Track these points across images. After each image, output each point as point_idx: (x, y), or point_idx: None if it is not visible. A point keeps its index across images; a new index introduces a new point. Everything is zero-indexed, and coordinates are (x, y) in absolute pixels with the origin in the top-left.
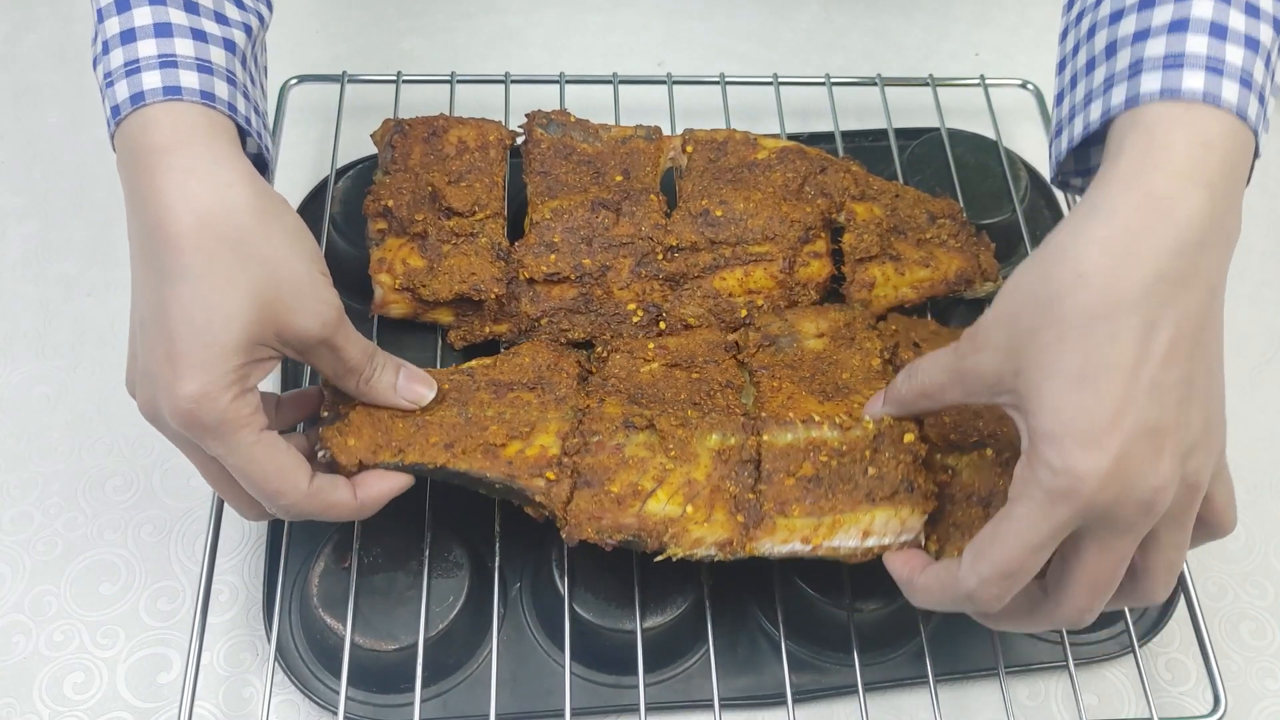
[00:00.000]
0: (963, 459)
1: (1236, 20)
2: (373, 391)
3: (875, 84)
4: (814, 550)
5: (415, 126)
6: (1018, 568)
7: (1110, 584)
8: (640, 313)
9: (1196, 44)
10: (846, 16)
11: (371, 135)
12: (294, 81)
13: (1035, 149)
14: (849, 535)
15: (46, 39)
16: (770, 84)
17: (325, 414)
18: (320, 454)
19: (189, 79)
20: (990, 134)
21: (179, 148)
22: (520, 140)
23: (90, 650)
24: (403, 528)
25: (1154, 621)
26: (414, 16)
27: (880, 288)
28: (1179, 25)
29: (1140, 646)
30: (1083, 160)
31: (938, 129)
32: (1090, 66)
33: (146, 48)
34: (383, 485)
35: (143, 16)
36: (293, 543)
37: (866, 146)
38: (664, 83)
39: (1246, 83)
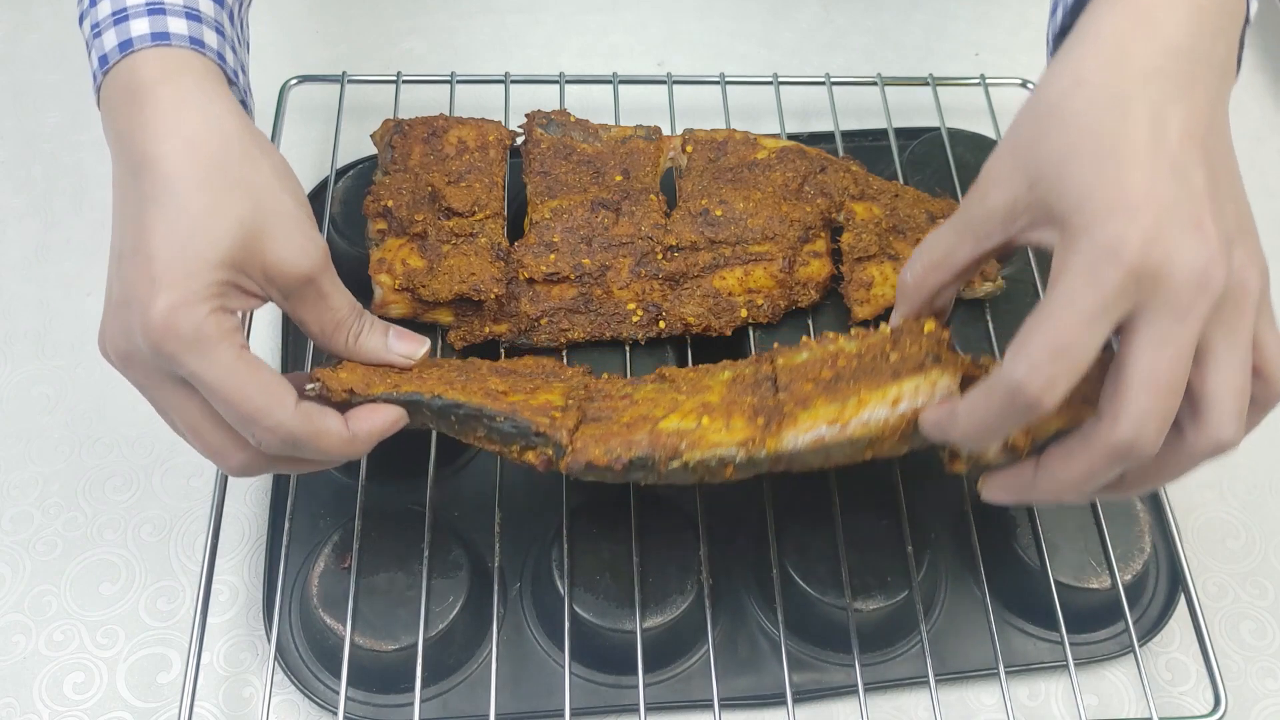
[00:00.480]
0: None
1: None
2: (362, 348)
3: (875, 84)
4: (844, 430)
5: (415, 127)
6: (1068, 342)
7: (1172, 383)
8: (640, 312)
9: None
10: (846, 16)
11: (371, 135)
12: (294, 82)
13: None
14: (878, 407)
15: (46, 39)
16: (770, 84)
17: (311, 387)
18: (310, 387)
19: (177, 25)
20: (990, 134)
21: (168, 82)
22: (520, 140)
23: (90, 650)
24: (403, 528)
25: (1154, 621)
26: (414, 16)
27: (878, 287)
28: None
29: (1140, 646)
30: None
31: (938, 129)
32: None
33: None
34: (375, 419)
35: None
36: (293, 543)
37: (866, 146)
38: (664, 83)
39: None
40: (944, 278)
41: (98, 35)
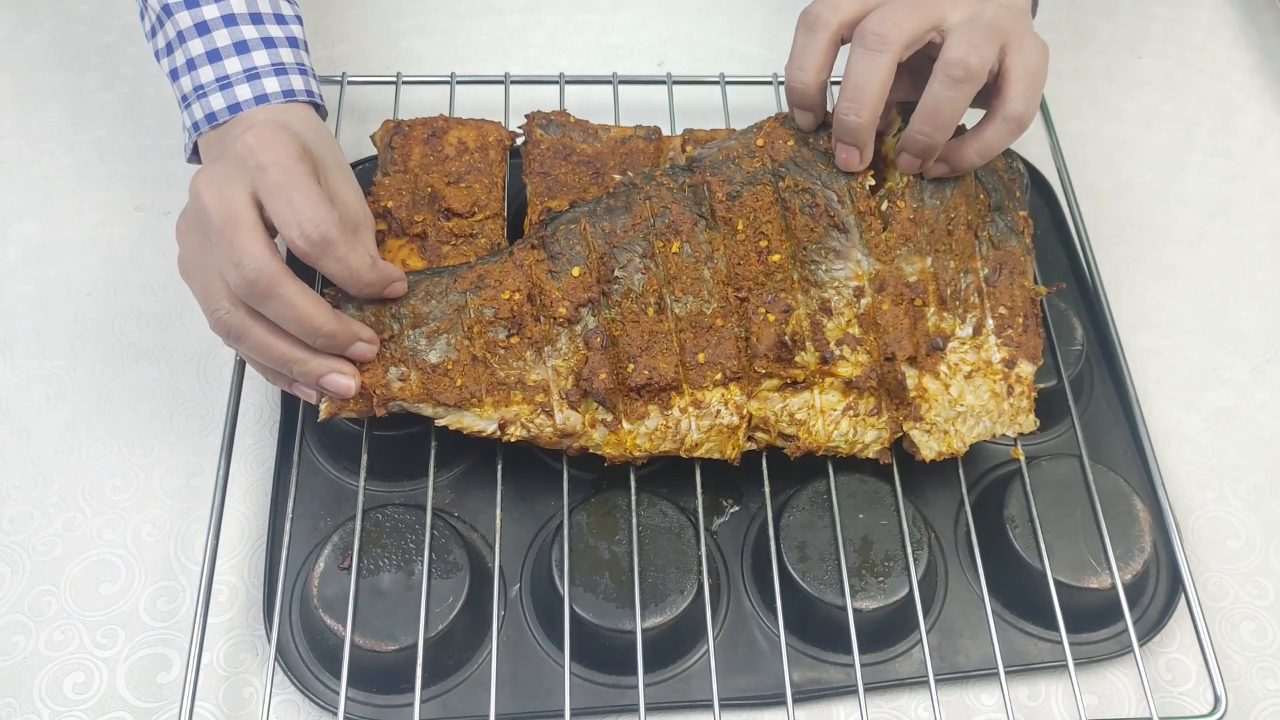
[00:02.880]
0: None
1: None
2: (383, 270)
3: None
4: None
5: (415, 127)
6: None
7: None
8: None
9: None
10: None
11: (371, 136)
12: None
13: (1035, 147)
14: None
15: (46, 39)
16: (770, 84)
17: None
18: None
19: (271, 85)
20: None
21: (270, 111)
22: (520, 141)
23: (90, 650)
24: (403, 528)
25: (1154, 621)
26: (414, 16)
27: None
28: None
29: (1140, 646)
30: None
31: None
32: None
33: (232, 65)
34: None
35: (222, 38)
36: (293, 543)
37: None
38: (664, 83)
39: None
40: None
41: (203, 95)
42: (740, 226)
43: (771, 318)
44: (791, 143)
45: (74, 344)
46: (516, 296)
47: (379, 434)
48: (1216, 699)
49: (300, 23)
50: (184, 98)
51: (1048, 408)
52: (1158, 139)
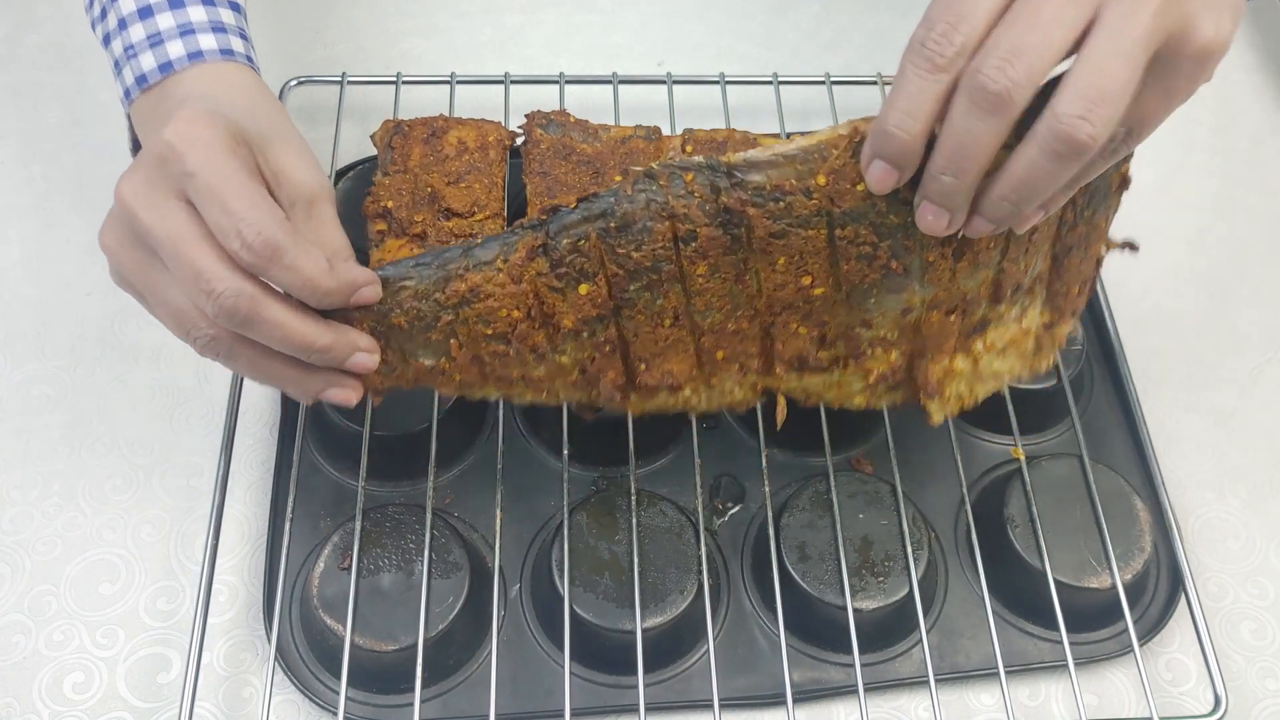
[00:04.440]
0: None
1: None
2: (348, 272)
3: (875, 83)
4: (792, 142)
5: (415, 127)
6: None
7: (1119, 85)
8: None
9: None
10: (846, 16)
11: (371, 136)
12: (294, 83)
13: None
14: (821, 132)
15: (46, 39)
16: (770, 84)
17: None
18: None
19: (207, 41)
20: None
21: (210, 70)
22: (520, 141)
23: (90, 650)
24: (403, 528)
25: (1154, 621)
26: (414, 16)
27: None
28: None
29: (1140, 646)
30: None
31: None
32: None
33: (164, 20)
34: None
35: None
36: (293, 543)
37: None
38: (664, 83)
39: None
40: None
41: (133, 56)
42: (780, 263)
43: (803, 331)
44: (861, 188)
45: (74, 344)
46: (515, 314)
47: (379, 434)
48: (1216, 699)
49: None
50: (115, 64)
51: (1048, 408)
52: (1158, 138)
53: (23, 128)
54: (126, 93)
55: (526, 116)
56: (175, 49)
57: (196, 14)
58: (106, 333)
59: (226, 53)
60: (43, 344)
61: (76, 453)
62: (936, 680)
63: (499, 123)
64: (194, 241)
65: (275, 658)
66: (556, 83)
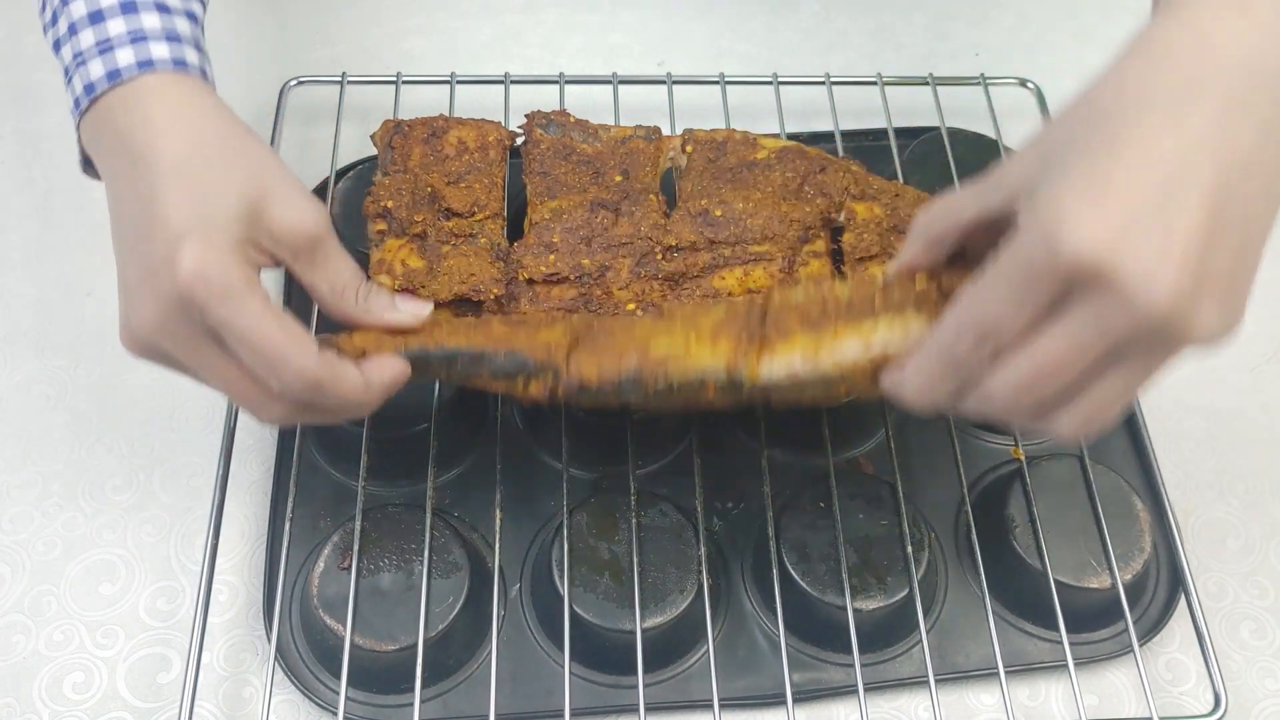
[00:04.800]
0: None
1: None
2: (370, 309)
3: (875, 83)
4: (817, 365)
5: (415, 127)
6: (994, 319)
7: (1054, 375)
8: (640, 313)
9: None
10: (846, 16)
11: (371, 136)
12: (294, 83)
13: None
14: (851, 345)
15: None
16: (770, 84)
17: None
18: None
19: (160, 50)
20: (990, 133)
21: (163, 91)
22: (520, 141)
23: (90, 650)
24: (403, 528)
25: (1154, 621)
26: (414, 16)
27: None
28: None
29: (1140, 646)
30: None
31: (937, 128)
32: None
33: (116, 26)
34: (386, 369)
35: None
36: (293, 543)
37: (866, 146)
38: (664, 83)
39: None
40: (948, 227)
41: (81, 64)
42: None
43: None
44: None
45: (74, 344)
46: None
47: (379, 434)
48: (1216, 699)
49: (204, 5)
50: (65, 71)
51: None
52: None
53: (23, 128)
54: (76, 103)
55: (526, 116)
56: (125, 56)
57: (150, 20)
58: (106, 333)
59: (180, 63)
60: (43, 344)
61: (76, 453)
62: (936, 680)
63: (499, 123)
64: (237, 382)
65: (275, 658)
66: (556, 83)
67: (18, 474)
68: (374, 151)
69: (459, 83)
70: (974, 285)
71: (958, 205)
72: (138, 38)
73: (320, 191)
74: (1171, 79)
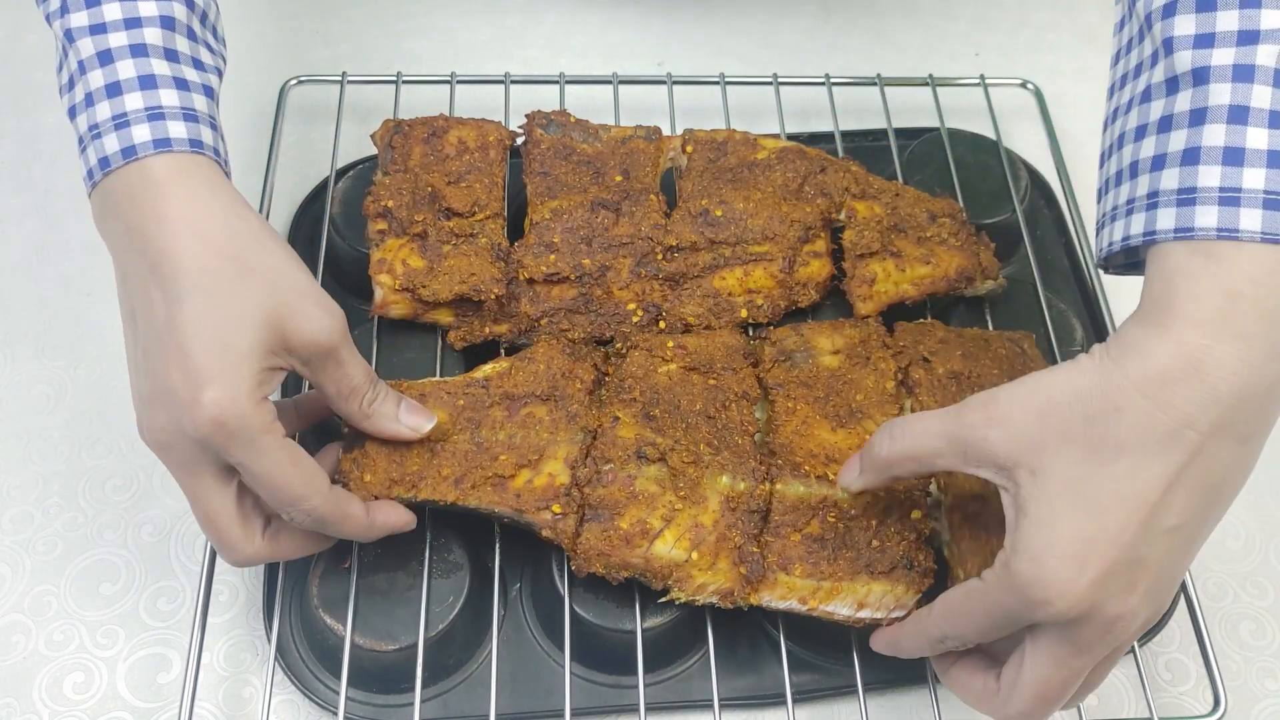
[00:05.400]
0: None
1: (1256, 138)
2: (376, 418)
3: (875, 84)
4: (810, 610)
5: (415, 127)
6: (964, 633)
7: (1058, 697)
8: (640, 312)
9: (1209, 176)
10: (846, 16)
11: (371, 136)
12: (294, 82)
13: (1035, 149)
14: (844, 604)
15: (46, 39)
16: (770, 84)
17: (346, 431)
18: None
19: (177, 129)
20: (990, 134)
21: (177, 181)
22: (520, 140)
23: (90, 650)
24: None
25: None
26: (414, 16)
27: (881, 284)
28: (1191, 156)
29: (1140, 647)
30: (1130, 254)
31: (937, 129)
32: (1118, 179)
33: (133, 101)
34: (391, 517)
35: (126, 69)
36: None
37: (866, 146)
38: (664, 83)
39: (1274, 204)
40: (918, 471)
41: (98, 137)
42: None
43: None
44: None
45: (74, 344)
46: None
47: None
48: (1216, 699)
49: (220, 76)
50: (80, 140)
51: None
52: None
53: (23, 128)
54: (90, 174)
55: (527, 116)
56: (141, 133)
57: (169, 97)
58: (106, 333)
59: (196, 144)
60: (43, 344)
61: (76, 453)
62: (936, 680)
63: (499, 122)
64: (219, 518)
65: (275, 658)
66: (557, 83)
67: (18, 474)
68: (374, 151)
69: (459, 82)
70: (958, 603)
71: (934, 455)
72: (155, 115)
73: (320, 191)
74: (1166, 418)
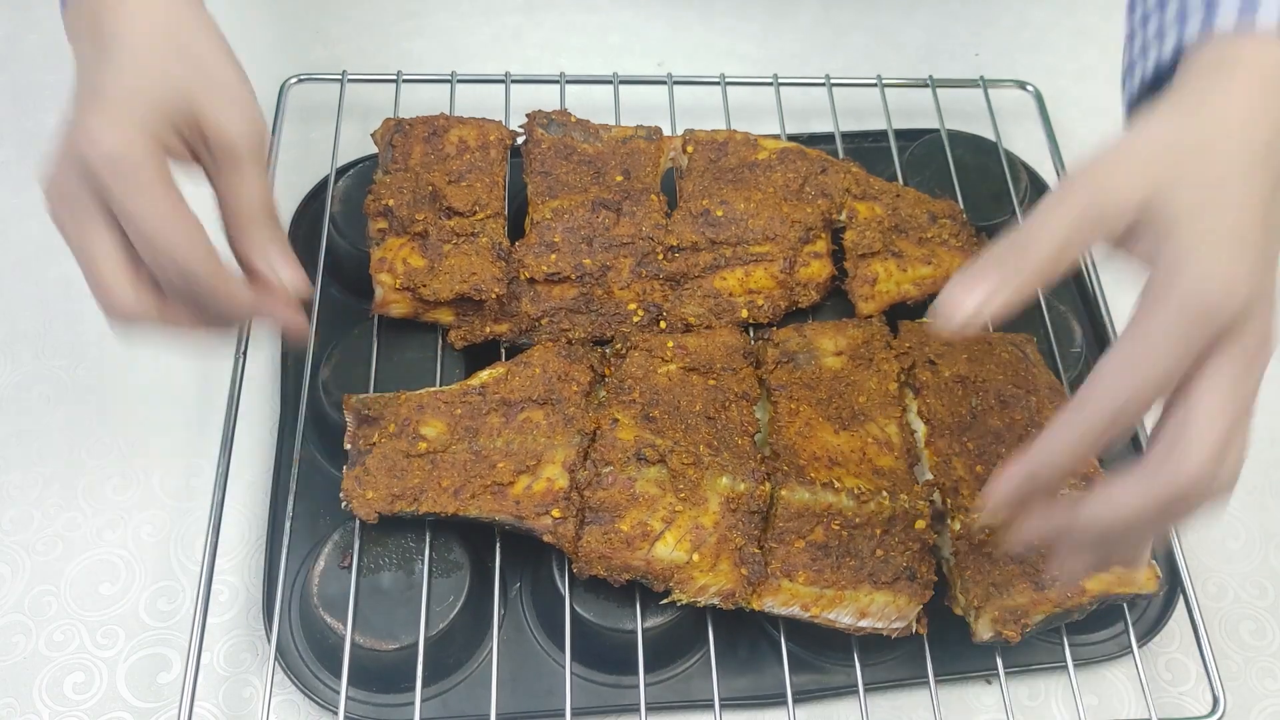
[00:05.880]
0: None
1: None
2: (252, 249)
3: (875, 85)
4: (812, 617)
5: (416, 126)
6: (1147, 378)
7: (1238, 432)
8: (641, 312)
9: None
10: (846, 16)
11: (372, 135)
12: (294, 81)
13: (1035, 150)
14: (846, 612)
15: (46, 39)
16: (770, 84)
17: (348, 448)
18: (342, 505)
19: None
20: (990, 135)
21: (134, 12)
22: (521, 140)
23: (90, 650)
24: (403, 528)
25: (1154, 621)
26: (414, 16)
27: (882, 284)
28: None
29: (1140, 647)
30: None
31: (937, 130)
32: (1163, 2)
33: None
34: (278, 311)
35: None
36: (293, 543)
37: (866, 147)
38: (664, 83)
39: None
40: (1063, 268)
41: None
42: None
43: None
44: None
45: (74, 344)
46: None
47: None
48: (1215, 699)
49: None
50: None
51: None
52: None
53: (23, 128)
54: (63, 0)
55: (528, 116)
56: None
57: None
58: (106, 333)
59: None
60: (43, 344)
61: (76, 453)
62: (937, 681)
63: (500, 122)
64: (104, 261)
65: (275, 657)
66: (557, 82)
67: (18, 474)
68: (374, 150)
69: (459, 82)
70: (1125, 351)
71: (1082, 236)
72: None
73: (320, 190)
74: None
